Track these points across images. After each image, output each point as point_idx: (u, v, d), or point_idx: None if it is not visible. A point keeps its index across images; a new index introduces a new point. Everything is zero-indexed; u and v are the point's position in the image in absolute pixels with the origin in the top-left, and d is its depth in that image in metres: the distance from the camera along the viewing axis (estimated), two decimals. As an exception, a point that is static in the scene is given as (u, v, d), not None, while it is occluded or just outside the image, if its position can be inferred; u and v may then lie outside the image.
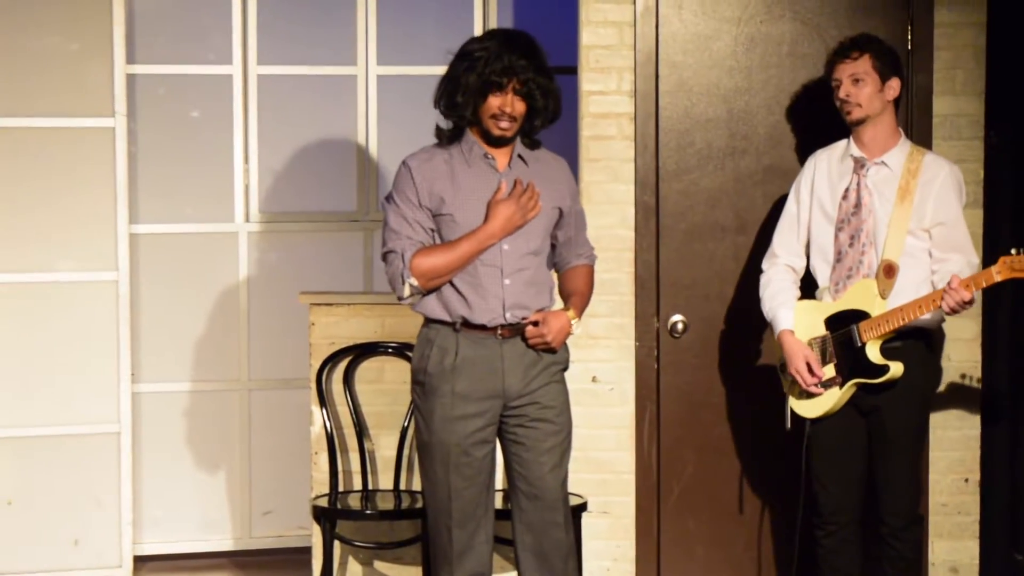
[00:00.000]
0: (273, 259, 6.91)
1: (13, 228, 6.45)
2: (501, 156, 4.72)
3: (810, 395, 5.14)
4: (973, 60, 5.79)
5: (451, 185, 4.67)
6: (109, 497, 6.52)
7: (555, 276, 4.91)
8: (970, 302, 4.84)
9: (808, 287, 5.27)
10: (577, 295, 4.86)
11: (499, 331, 4.67)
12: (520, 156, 4.73)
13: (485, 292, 4.66)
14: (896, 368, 5.00)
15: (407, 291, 4.67)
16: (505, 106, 4.60)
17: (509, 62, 4.57)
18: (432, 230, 4.69)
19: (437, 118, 4.74)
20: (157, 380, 6.80)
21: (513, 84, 4.59)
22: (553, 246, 4.89)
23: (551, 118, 4.70)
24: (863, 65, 5.10)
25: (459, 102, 4.64)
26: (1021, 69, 5.69)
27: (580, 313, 4.83)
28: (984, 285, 4.81)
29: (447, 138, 4.72)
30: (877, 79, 5.10)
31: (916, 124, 5.74)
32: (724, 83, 5.81)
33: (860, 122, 5.13)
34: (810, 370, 5.09)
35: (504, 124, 4.62)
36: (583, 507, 5.64)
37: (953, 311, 4.87)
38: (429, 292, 4.68)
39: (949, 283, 4.85)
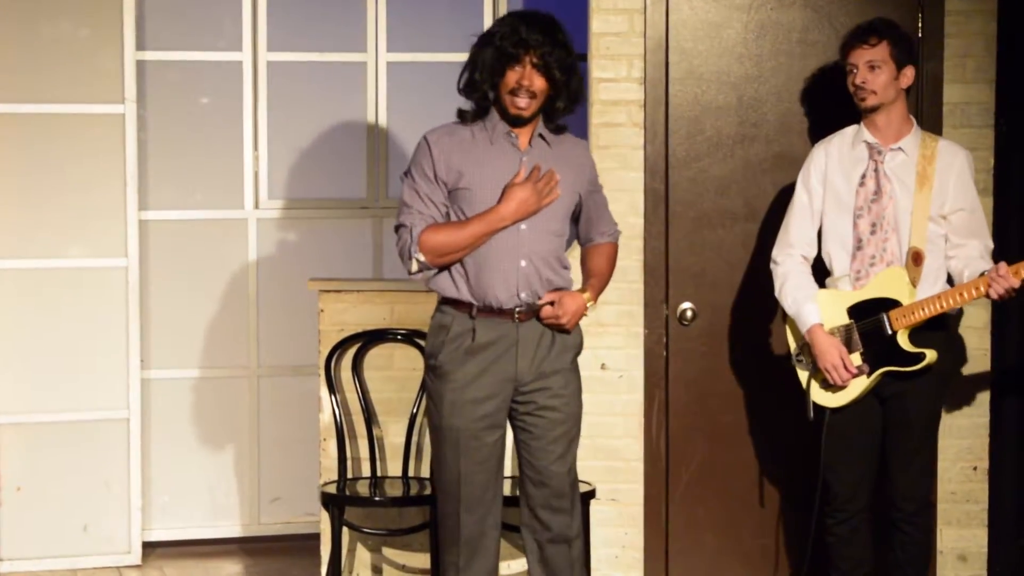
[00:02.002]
0: (282, 246, 6.91)
1: (23, 214, 6.45)
2: (523, 135, 4.69)
3: (835, 385, 5.11)
4: (983, 48, 5.78)
5: (471, 159, 4.64)
6: (118, 483, 6.53)
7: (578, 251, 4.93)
8: (1019, 289, 4.82)
9: (818, 274, 5.25)
10: (596, 277, 4.85)
11: (516, 314, 4.66)
12: (542, 136, 4.70)
13: (499, 273, 4.64)
14: (931, 356, 4.98)
15: (414, 266, 4.66)
16: (523, 79, 4.56)
17: (525, 35, 4.55)
18: (446, 206, 4.67)
19: (454, 104, 4.71)
20: (166, 367, 6.81)
21: (530, 57, 4.55)
22: (576, 225, 4.88)
23: (573, 98, 4.66)
24: (881, 52, 5.06)
25: (477, 79, 4.62)
26: (1032, 57, 5.69)
27: (597, 296, 4.82)
28: None
29: (470, 117, 4.69)
30: (893, 67, 5.07)
31: (926, 112, 5.73)
32: (734, 70, 5.80)
33: (873, 109, 5.10)
34: (845, 366, 5.05)
35: (522, 101, 4.59)
36: (591, 494, 5.64)
37: (1001, 298, 4.85)
38: (438, 268, 4.67)
39: (996, 270, 4.82)
